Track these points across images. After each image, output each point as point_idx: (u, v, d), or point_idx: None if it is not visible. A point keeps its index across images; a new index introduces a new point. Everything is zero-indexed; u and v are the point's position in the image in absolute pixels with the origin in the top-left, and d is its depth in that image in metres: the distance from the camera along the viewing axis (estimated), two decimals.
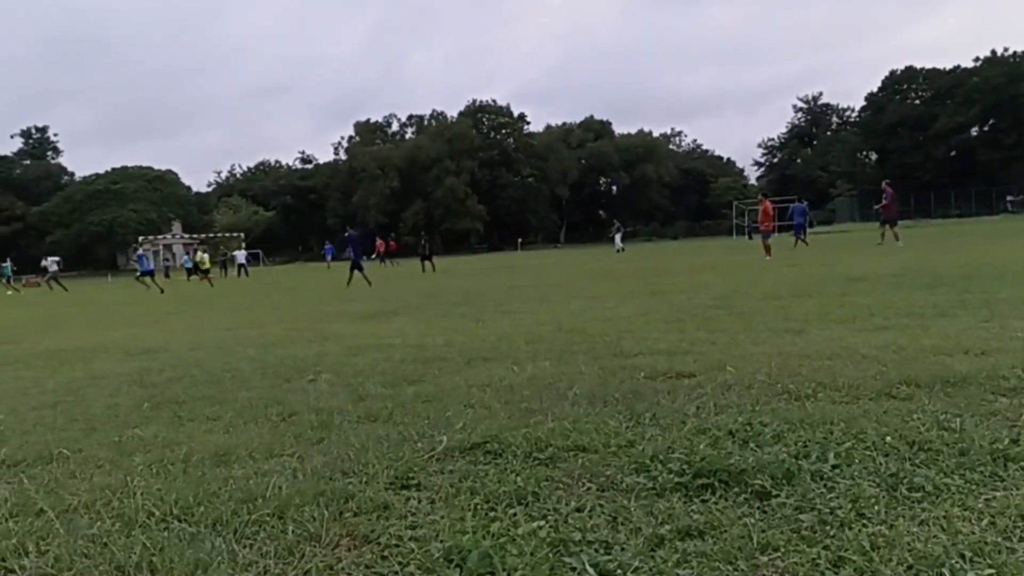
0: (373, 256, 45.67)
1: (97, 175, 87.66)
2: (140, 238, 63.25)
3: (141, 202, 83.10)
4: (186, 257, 49.34)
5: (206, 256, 39.57)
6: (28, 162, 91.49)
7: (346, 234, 25.44)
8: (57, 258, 40.22)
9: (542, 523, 2.46)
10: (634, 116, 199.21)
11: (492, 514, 2.59)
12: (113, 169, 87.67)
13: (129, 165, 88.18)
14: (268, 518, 2.62)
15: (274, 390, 5.39)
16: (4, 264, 40.31)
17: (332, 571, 2.21)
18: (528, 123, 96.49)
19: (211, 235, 69.83)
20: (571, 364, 5.61)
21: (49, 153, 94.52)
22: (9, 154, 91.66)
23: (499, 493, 2.77)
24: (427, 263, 31.75)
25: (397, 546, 2.37)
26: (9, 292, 36.07)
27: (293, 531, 2.48)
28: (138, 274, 33.34)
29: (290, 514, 2.63)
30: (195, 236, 71.31)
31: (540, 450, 3.29)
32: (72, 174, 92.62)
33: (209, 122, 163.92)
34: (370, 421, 4.13)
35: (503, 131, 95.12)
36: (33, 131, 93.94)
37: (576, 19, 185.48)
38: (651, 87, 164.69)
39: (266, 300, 18.26)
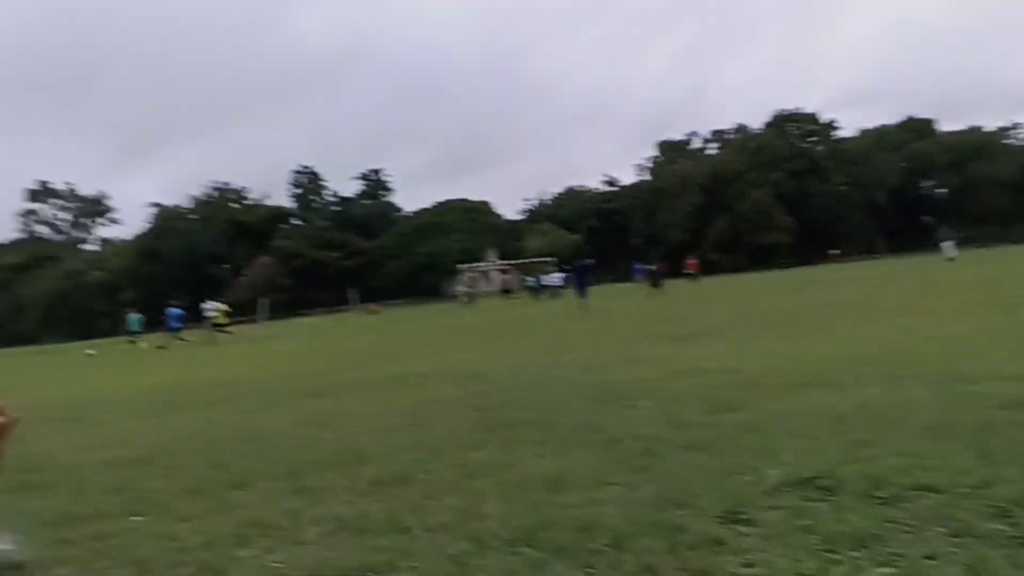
0: (685, 273, 45.92)
1: (423, 209, 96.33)
2: (460, 266, 68.23)
3: (461, 232, 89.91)
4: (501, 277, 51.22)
5: (222, 306, 34.27)
6: (366, 202, 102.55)
7: (578, 264, 27.17)
8: (216, 304, 34.93)
9: (890, 570, 2.33)
10: (961, 112, 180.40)
11: (833, 556, 2.50)
12: (436, 203, 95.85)
13: (451, 199, 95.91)
14: (607, 548, 2.73)
15: (595, 415, 5.57)
16: (134, 316, 35.83)
17: None
18: (838, 128, 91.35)
19: (523, 260, 73.58)
20: (903, 390, 5.23)
21: (382, 192, 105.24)
22: (351, 195, 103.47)
23: (837, 533, 2.67)
24: (654, 287, 31.39)
25: None
26: (144, 345, 31.52)
27: (632, 562, 2.57)
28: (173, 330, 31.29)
29: (627, 544, 2.72)
30: (509, 262, 75.64)
31: (878, 487, 3.12)
32: (400, 210, 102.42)
33: (521, 153, 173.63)
34: (693, 450, 4.15)
35: (811, 139, 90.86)
36: (370, 173, 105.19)
37: (903, 8, 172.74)
38: (984, 78, 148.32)
39: (579, 323, 18.88)
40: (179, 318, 32.20)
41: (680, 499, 3.22)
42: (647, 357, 9.12)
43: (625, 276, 54.21)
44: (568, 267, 33.27)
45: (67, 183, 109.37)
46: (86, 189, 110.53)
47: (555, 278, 48.99)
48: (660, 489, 3.39)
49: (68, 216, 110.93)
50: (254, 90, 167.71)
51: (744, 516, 2.96)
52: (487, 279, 75.87)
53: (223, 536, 3.39)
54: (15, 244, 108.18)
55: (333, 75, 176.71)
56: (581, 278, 26.27)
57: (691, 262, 49.20)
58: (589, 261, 28.47)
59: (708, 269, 79.38)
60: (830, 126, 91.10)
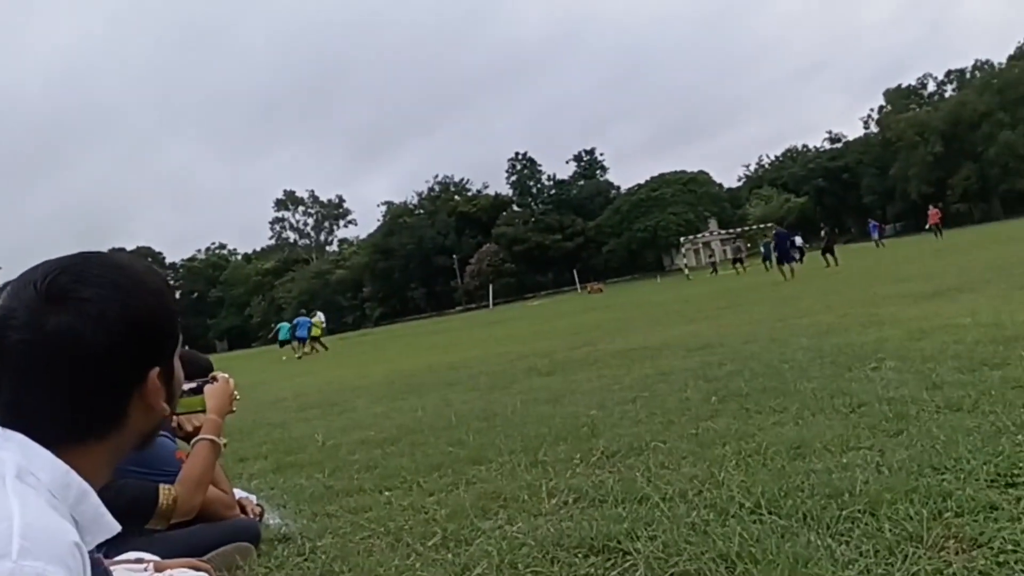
0: (927, 228, 42.33)
1: (639, 185, 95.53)
2: (681, 239, 67.12)
3: (679, 205, 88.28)
4: None
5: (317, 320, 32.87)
6: (582, 183, 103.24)
7: (776, 232, 28.90)
8: (312, 315, 33.40)
9: None
10: None
11: None
12: (651, 178, 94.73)
13: (665, 172, 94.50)
14: (859, 514, 2.54)
15: (836, 380, 5.25)
16: (293, 323, 33.69)
17: (942, 575, 2.05)
18: None
19: (745, 228, 71.13)
20: None
21: (598, 172, 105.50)
22: (566, 177, 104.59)
23: None
24: (828, 256, 29.07)
25: (1015, 551, 2.11)
26: (298, 356, 30.41)
27: (890, 530, 2.37)
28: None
29: (883, 511, 2.51)
30: (731, 231, 73.42)
31: None
32: (618, 188, 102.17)
33: (740, 119, 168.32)
34: (952, 411, 3.78)
35: None
36: (583, 154, 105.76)
37: None
38: None
39: (810, 287, 17.96)
40: (308, 327, 31.72)
41: (941, 463, 2.94)
42: (890, 317, 8.49)
43: (860, 236, 50.56)
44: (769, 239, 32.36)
45: (309, 190, 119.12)
46: (327, 194, 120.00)
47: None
48: (917, 453, 3.11)
49: (311, 221, 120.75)
50: (477, 83, 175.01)
51: (1021, 479, 2.64)
52: (710, 249, 74.04)
53: (466, 508, 3.50)
54: (269, 250, 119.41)
55: (550, 61, 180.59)
56: (781, 248, 27.05)
57: (933, 212, 44.87)
58: (788, 232, 29.65)
59: (957, 221, 73.05)
60: None
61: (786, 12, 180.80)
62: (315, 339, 32.05)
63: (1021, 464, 2.77)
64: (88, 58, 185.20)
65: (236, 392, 3.38)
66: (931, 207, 46.50)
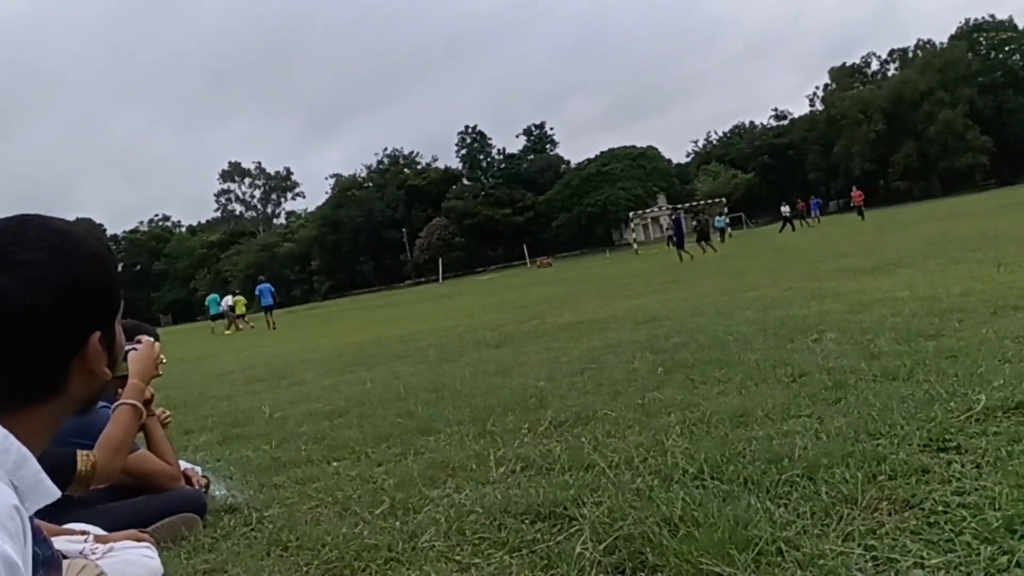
0: (852, 206, 43.22)
1: (589, 160, 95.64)
2: (631, 213, 67.52)
3: (628, 180, 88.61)
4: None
5: (239, 299, 33.07)
6: (532, 157, 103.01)
7: (673, 217, 31.75)
8: (231, 298, 33.45)
9: None
10: None
11: None
12: (601, 152, 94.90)
13: (615, 147, 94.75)
14: (798, 479, 2.61)
15: (778, 351, 5.36)
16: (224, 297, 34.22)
17: (875, 535, 2.12)
18: None
19: (693, 203, 71.85)
20: None
21: (547, 146, 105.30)
22: (516, 152, 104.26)
23: None
24: (702, 243, 30.27)
25: (944, 512, 2.20)
26: (227, 332, 30.61)
27: (827, 492, 2.44)
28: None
29: (820, 475, 2.59)
30: (678, 206, 74.08)
31: None
32: (568, 162, 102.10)
33: (691, 96, 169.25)
34: (888, 380, 3.90)
35: (1006, 49, 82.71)
36: (533, 128, 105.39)
37: None
38: None
39: (756, 262, 18.26)
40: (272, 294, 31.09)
41: (877, 429, 3.03)
42: (831, 291, 8.68)
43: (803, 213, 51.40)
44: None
45: (256, 162, 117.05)
46: (276, 166, 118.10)
47: (722, 220, 47.80)
48: (854, 420, 3.20)
49: (258, 193, 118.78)
50: (431, 56, 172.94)
51: (951, 444, 2.75)
52: (658, 225, 74.69)
53: (415, 478, 3.52)
54: (215, 223, 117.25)
55: (505, 35, 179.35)
56: (678, 232, 29.25)
57: (857, 193, 44.94)
58: (680, 215, 32.62)
59: (897, 198, 74.67)
60: None
61: None
62: (239, 316, 31.77)
63: (952, 430, 2.87)
64: (34, 20, 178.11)
65: (162, 356, 3.32)
66: (854, 188, 46.71)
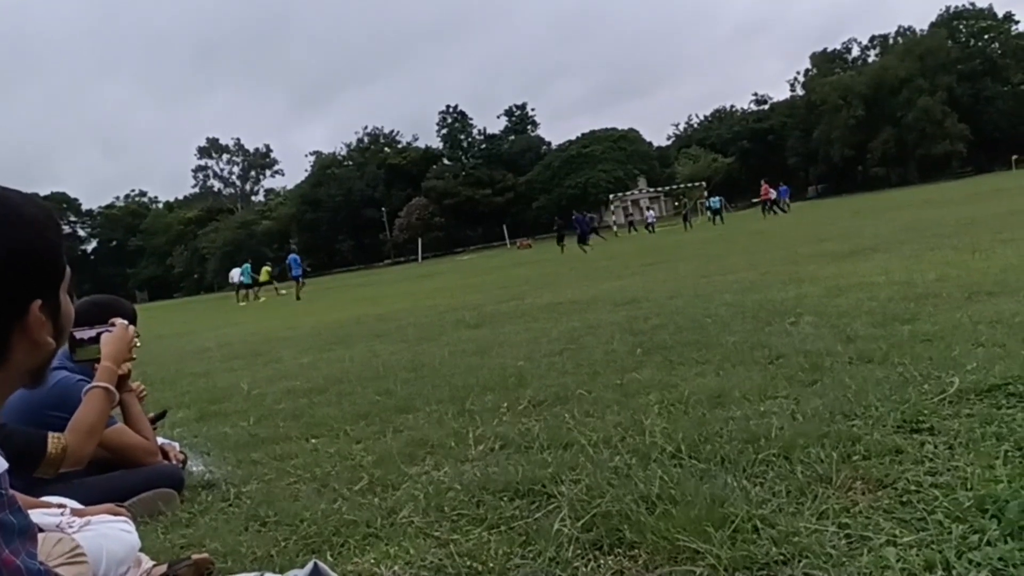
0: (756, 201, 42.78)
1: (570, 142, 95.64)
2: (611, 196, 67.61)
3: (609, 162, 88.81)
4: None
5: (266, 268, 35.00)
6: (513, 137, 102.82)
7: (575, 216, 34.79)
8: (240, 269, 34.61)
9: None
10: None
11: None
12: (583, 135, 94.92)
13: (597, 128, 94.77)
14: (774, 458, 2.64)
15: (756, 333, 5.40)
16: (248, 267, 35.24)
17: (849, 513, 2.15)
18: (1017, 22, 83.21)
19: (673, 187, 72.04)
20: None
21: (528, 127, 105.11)
22: (497, 132, 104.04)
23: None
24: (561, 245, 33.23)
25: (917, 491, 2.23)
26: (243, 303, 31.71)
27: (802, 472, 2.47)
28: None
29: (796, 455, 2.62)
30: (659, 189, 74.31)
31: None
32: (549, 144, 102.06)
33: (675, 79, 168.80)
34: (864, 362, 3.94)
35: (985, 37, 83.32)
36: (514, 109, 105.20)
37: None
38: None
39: (735, 246, 18.35)
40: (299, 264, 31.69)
41: (852, 410, 3.07)
42: (809, 275, 8.75)
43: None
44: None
45: (235, 138, 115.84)
46: (256, 143, 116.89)
47: (715, 201, 46.50)
48: (829, 401, 3.24)
49: (236, 170, 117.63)
50: (417, 34, 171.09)
51: (925, 425, 2.78)
52: (637, 207, 74.83)
53: (393, 455, 3.52)
54: (193, 199, 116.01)
55: (493, 14, 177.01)
56: (582, 229, 32.87)
57: (764, 188, 41.77)
58: (586, 216, 36.50)
59: (875, 184, 75.03)
60: (1008, 19, 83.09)
61: None
62: (264, 284, 33.49)
63: (926, 412, 2.91)
64: None
65: (137, 340, 3.30)
66: (762, 182, 43.09)
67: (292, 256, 31.92)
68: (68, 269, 1.10)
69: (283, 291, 33.08)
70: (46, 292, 1.04)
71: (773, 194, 41.74)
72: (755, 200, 44.70)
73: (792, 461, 2.59)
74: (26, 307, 1.01)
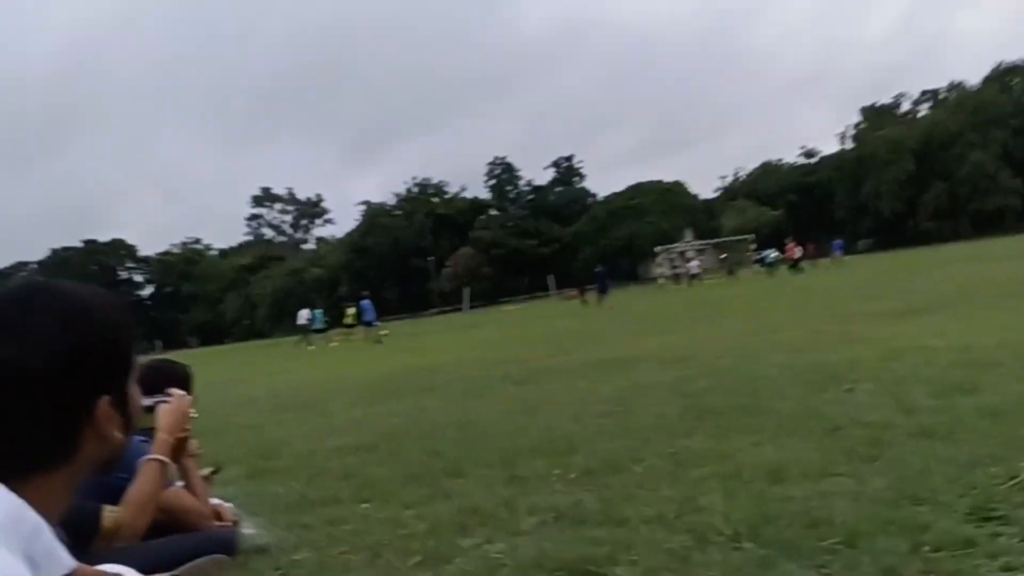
0: (784, 257, 41.44)
1: (616, 194, 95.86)
2: (656, 248, 67.36)
3: (655, 214, 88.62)
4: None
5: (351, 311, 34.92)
6: (559, 188, 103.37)
7: (596, 270, 34.45)
8: (308, 312, 35.55)
9: None
10: None
11: None
12: (629, 187, 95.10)
13: (643, 180, 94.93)
14: (839, 546, 2.57)
15: (810, 400, 5.30)
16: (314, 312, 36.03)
17: None
18: None
19: (720, 240, 71.56)
20: None
21: (575, 179, 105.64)
22: (544, 183, 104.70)
23: None
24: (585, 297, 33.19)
25: None
26: (311, 347, 32.06)
27: (870, 563, 2.40)
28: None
29: (862, 544, 2.55)
30: (706, 242, 73.87)
31: None
32: (595, 195, 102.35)
33: (724, 130, 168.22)
34: (926, 438, 3.83)
35: None
36: (561, 160, 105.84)
37: None
38: None
39: (781, 302, 18.13)
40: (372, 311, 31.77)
41: (918, 494, 2.98)
42: (863, 336, 8.59)
43: (825, 252, 50.49)
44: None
45: (288, 188, 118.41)
46: (308, 192, 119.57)
47: (771, 253, 45.39)
48: (893, 482, 3.15)
49: (288, 218, 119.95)
50: (468, 86, 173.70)
51: (996, 513, 2.69)
52: (683, 259, 74.43)
53: (445, 524, 3.50)
54: (245, 246, 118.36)
55: (548, 62, 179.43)
56: (602, 284, 32.30)
57: (791, 246, 41.43)
58: (602, 268, 35.02)
59: (926, 239, 73.75)
60: None
61: (789, 21, 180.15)
62: (350, 327, 33.93)
63: (997, 498, 2.81)
64: (92, 40, 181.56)
65: (193, 411, 3.31)
66: (786, 241, 43.08)
67: (364, 301, 32.17)
68: (136, 360, 1.12)
69: (354, 337, 33.40)
70: (113, 388, 1.06)
71: (798, 252, 41.18)
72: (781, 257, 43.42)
73: (858, 550, 2.51)
74: (95, 404, 1.03)
